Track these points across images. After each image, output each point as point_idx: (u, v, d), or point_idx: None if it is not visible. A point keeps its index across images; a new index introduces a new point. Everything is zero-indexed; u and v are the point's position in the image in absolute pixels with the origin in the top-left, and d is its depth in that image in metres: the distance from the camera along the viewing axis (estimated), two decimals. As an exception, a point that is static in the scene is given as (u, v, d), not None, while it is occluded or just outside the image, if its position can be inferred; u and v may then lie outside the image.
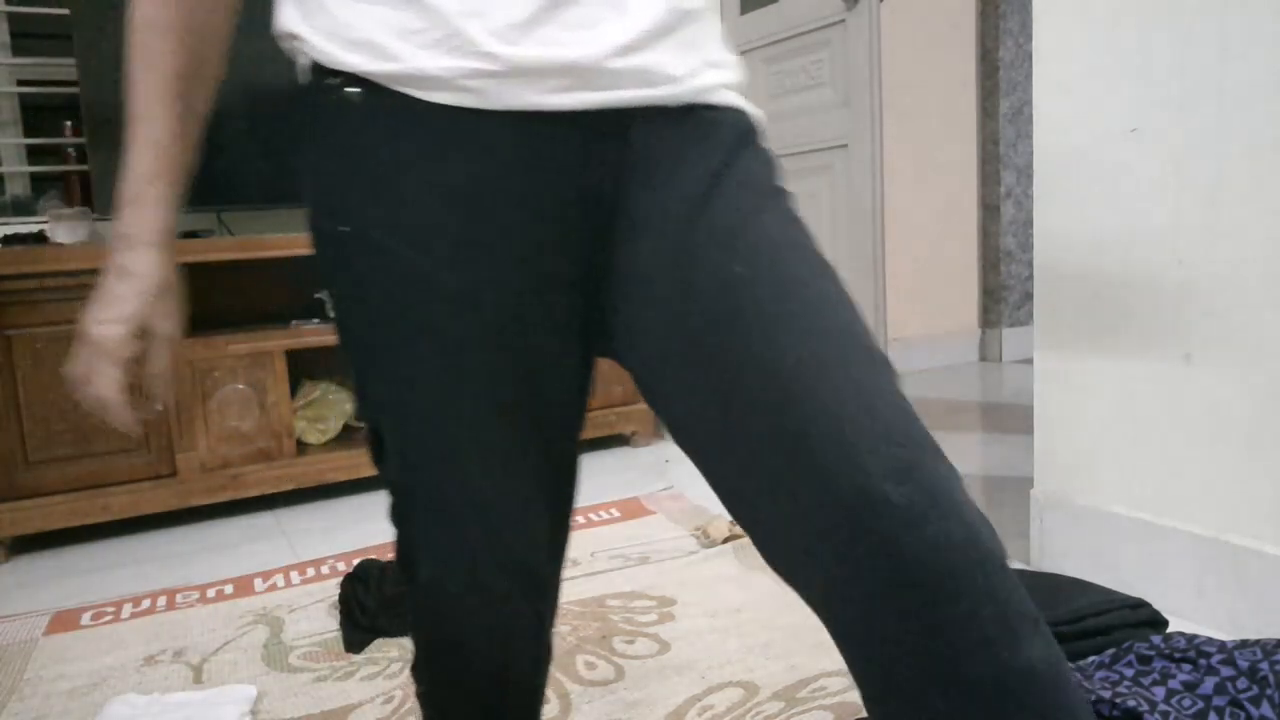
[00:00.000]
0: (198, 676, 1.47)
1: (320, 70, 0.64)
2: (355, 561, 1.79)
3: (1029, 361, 3.49)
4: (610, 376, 2.76)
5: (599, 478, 2.54)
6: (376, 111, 0.61)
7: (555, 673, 1.41)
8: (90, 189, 2.36)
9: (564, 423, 0.70)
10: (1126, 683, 1.14)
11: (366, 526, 2.21)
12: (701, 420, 0.61)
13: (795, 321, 0.58)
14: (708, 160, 0.63)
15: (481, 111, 0.60)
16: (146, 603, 1.80)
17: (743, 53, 2.55)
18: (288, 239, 2.36)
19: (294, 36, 0.65)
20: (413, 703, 1.33)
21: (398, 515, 0.71)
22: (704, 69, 0.65)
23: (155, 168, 0.68)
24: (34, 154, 2.64)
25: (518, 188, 0.62)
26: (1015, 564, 1.71)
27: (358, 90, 0.62)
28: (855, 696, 1.28)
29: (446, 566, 0.69)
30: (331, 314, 0.69)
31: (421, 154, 0.61)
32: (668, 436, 2.95)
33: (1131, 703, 1.06)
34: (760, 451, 0.57)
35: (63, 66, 2.49)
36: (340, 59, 0.61)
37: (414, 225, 0.62)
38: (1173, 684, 1.11)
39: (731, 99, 0.67)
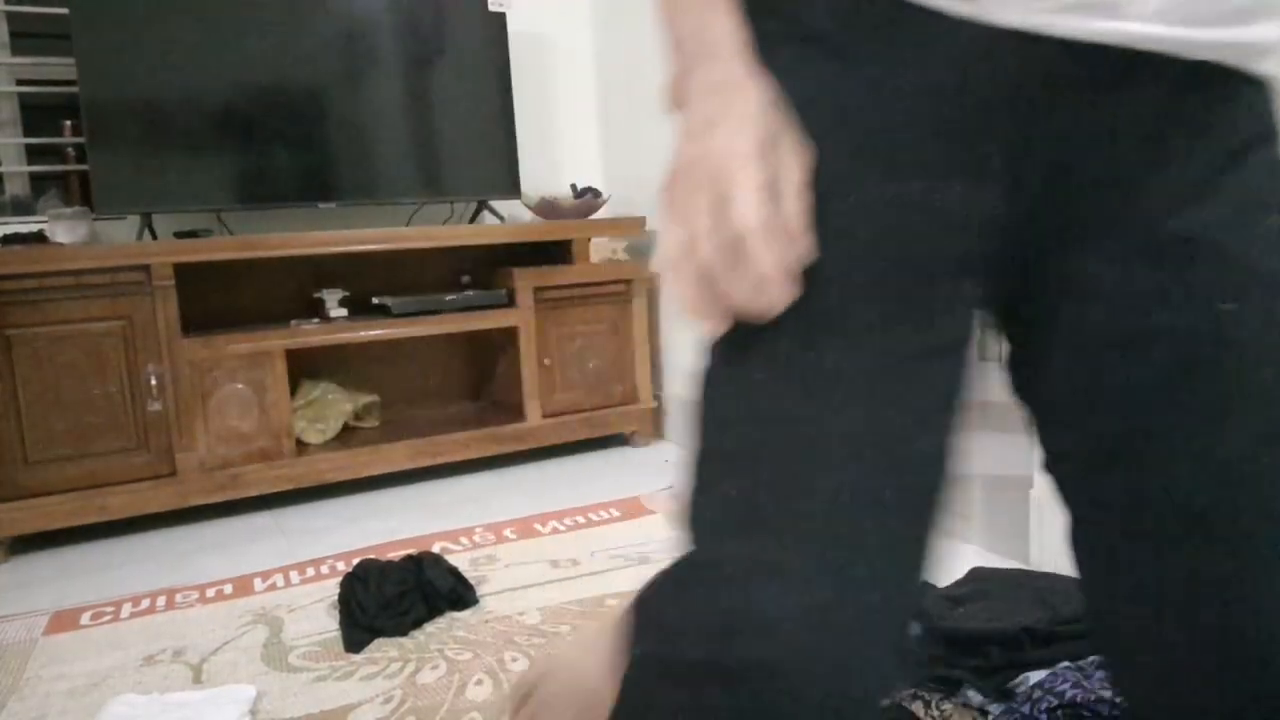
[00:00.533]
0: (197, 676, 1.47)
1: None
2: (355, 561, 1.79)
3: (1029, 361, 3.48)
4: (610, 376, 2.76)
5: (599, 478, 2.54)
6: None
7: (555, 673, 1.41)
8: (90, 189, 2.36)
9: None
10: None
11: (366, 526, 2.21)
12: (1101, 493, 0.51)
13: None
14: (1210, 152, 0.49)
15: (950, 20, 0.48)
16: (146, 603, 1.80)
17: (743, 53, 2.56)
18: (288, 239, 2.36)
19: None
20: (412, 702, 1.33)
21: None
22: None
23: (725, 27, 0.53)
24: (33, 154, 2.63)
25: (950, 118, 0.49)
26: (1015, 564, 1.71)
27: None
28: (855, 696, 1.28)
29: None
30: None
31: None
32: (668, 436, 2.95)
33: (1131, 702, 1.06)
34: (1172, 587, 0.48)
35: (62, 66, 2.49)
36: None
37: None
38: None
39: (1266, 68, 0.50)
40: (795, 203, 0.48)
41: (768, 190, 0.47)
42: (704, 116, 0.50)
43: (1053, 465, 0.57)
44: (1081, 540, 0.56)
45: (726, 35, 0.52)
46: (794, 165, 0.49)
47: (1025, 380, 0.57)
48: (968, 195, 0.49)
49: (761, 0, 0.54)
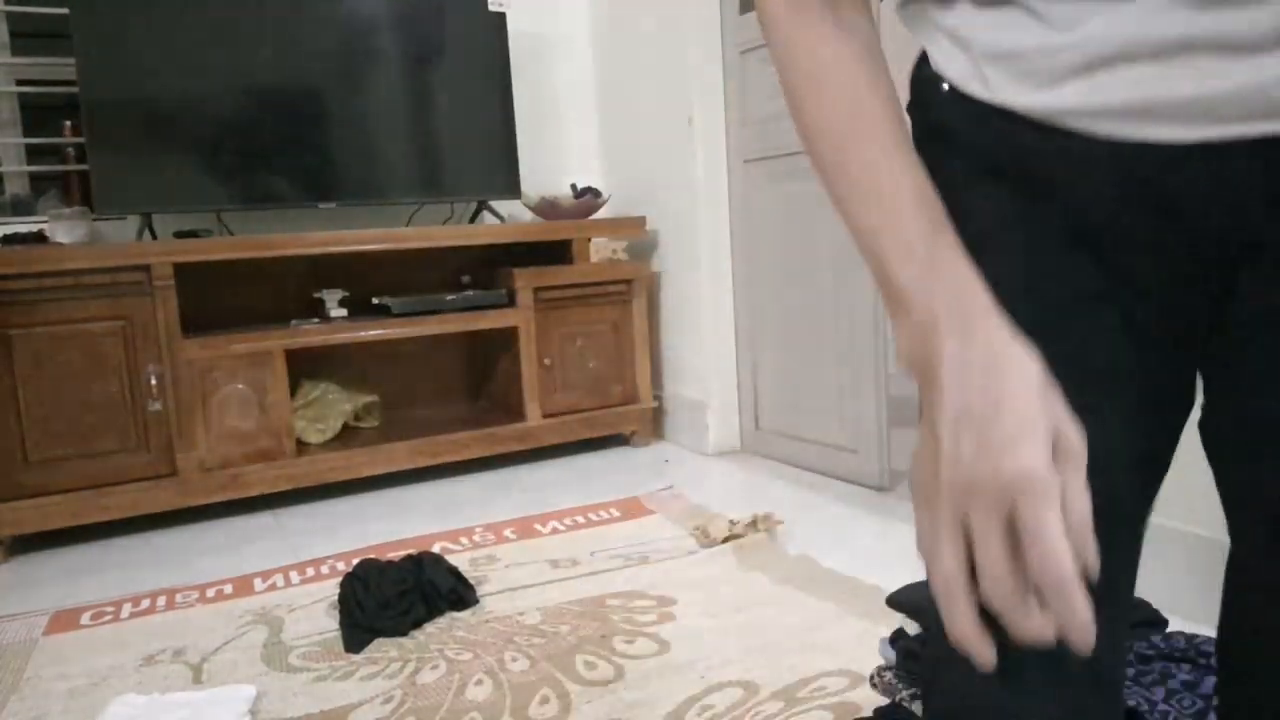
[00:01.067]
0: (197, 676, 1.47)
1: None
2: (355, 561, 1.79)
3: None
4: (609, 376, 2.76)
5: (599, 478, 2.54)
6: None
7: (555, 672, 1.41)
8: (90, 188, 2.36)
9: None
10: (1126, 682, 1.14)
11: (366, 526, 2.21)
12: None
13: None
14: None
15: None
16: (146, 603, 1.80)
17: (742, 53, 2.55)
18: (288, 239, 2.36)
19: None
20: (412, 702, 1.33)
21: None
22: None
23: (931, 215, 0.50)
24: (33, 154, 2.64)
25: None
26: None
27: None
28: (855, 696, 1.28)
29: None
30: None
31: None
32: (667, 436, 2.96)
33: (1131, 702, 1.06)
34: None
35: (62, 66, 2.49)
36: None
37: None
38: (1172, 684, 1.11)
39: None
40: (1084, 509, 0.42)
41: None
42: (981, 413, 0.44)
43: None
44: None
45: (971, 289, 0.47)
46: (1078, 462, 0.43)
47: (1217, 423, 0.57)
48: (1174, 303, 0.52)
49: (941, 138, 0.54)
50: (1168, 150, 0.47)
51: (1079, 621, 0.40)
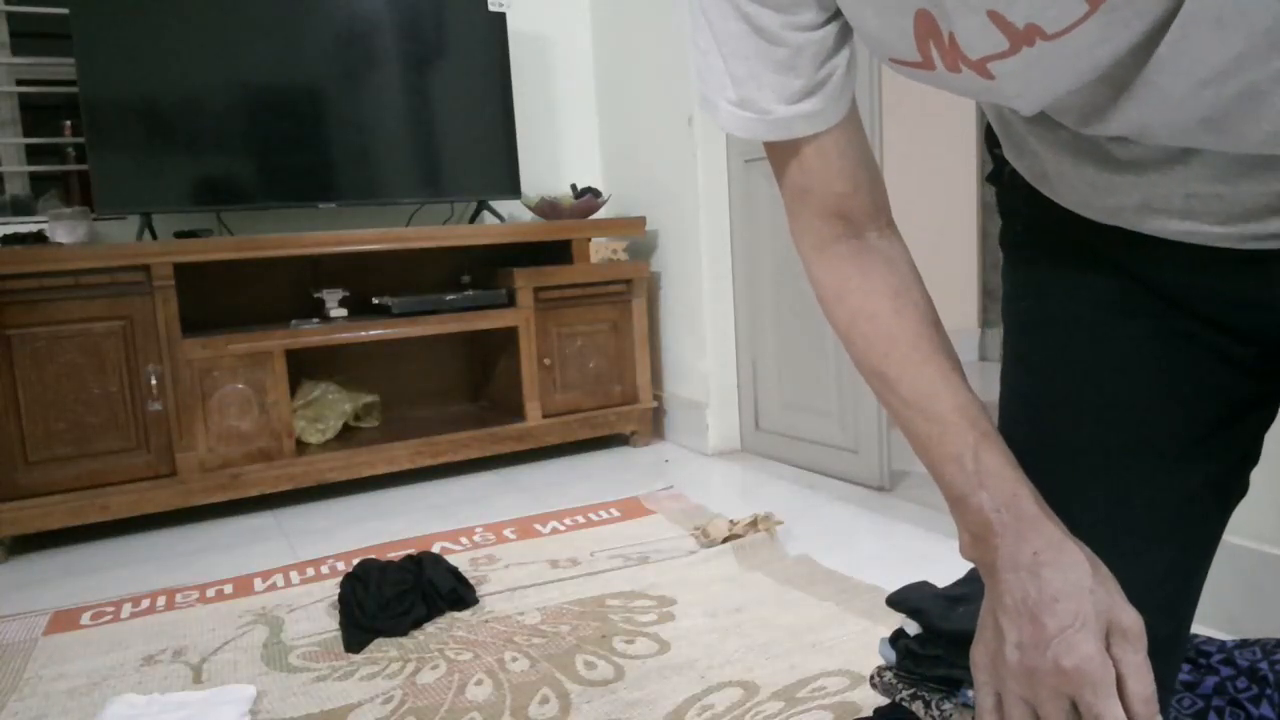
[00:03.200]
0: (197, 676, 1.47)
1: None
2: (355, 561, 1.79)
3: (1029, 361, 3.48)
4: (609, 376, 2.76)
5: (599, 478, 2.54)
6: None
7: (555, 672, 1.41)
8: (90, 188, 2.36)
9: None
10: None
11: (366, 526, 2.21)
12: None
13: None
14: None
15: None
16: (146, 603, 1.80)
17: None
18: (288, 239, 2.36)
19: None
20: (412, 702, 1.33)
21: None
22: None
23: (974, 425, 0.56)
24: (33, 153, 2.64)
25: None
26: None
27: None
28: (855, 696, 1.28)
29: None
30: None
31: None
32: (667, 436, 2.95)
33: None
34: None
35: (62, 66, 2.49)
36: None
37: None
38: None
39: None
40: (1145, 689, 0.48)
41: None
42: (1036, 605, 0.49)
43: None
44: None
45: (1023, 491, 0.53)
46: (1137, 644, 0.49)
47: None
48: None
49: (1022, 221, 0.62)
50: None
51: None
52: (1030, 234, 0.65)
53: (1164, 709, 0.57)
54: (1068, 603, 0.48)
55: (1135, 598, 0.50)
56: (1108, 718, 0.46)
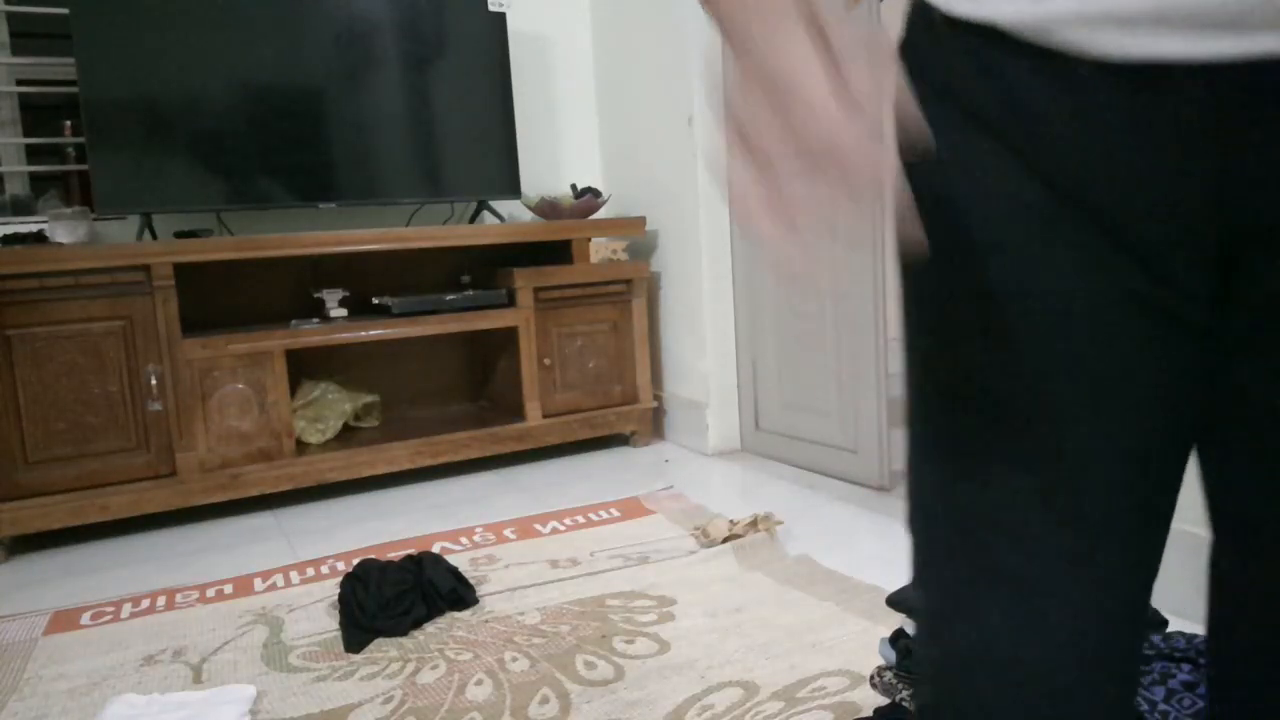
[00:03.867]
0: (197, 676, 1.47)
1: None
2: (355, 561, 1.79)
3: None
4: (609, 376, 2.76)
5: (599, 478, 2.54)
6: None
7: (555, 672, 1.41)
8: (90, 188, 2.36)
9: None
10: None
11: (366, 526, 2.21)
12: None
13: None
14: None
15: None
16: (146, 603, 1.80)
17: (742, 53, 2.56)
18: (287, 239, 2.36)
19: None
20: (412, 702, 1.33)
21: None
22: None
23: None
24: (33, 153, 2.64)
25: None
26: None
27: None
28: (855, 696, 1.28)
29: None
30: None
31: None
32: (668, 436, 2.95)
33: (1131, 703, 1.06)
34: None
35: (62, 66, 2.49)
36: None
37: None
38: (1172, 684, 1.11)
39: None
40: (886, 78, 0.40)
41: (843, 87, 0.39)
42: (744, 26, 0.42)
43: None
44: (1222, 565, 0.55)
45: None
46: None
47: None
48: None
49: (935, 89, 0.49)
50: (1179, 78, 0.41)
51: (861, 167, 0.37)
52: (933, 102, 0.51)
53: (1139, 678, 0.55)
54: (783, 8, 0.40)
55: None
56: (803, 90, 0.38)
